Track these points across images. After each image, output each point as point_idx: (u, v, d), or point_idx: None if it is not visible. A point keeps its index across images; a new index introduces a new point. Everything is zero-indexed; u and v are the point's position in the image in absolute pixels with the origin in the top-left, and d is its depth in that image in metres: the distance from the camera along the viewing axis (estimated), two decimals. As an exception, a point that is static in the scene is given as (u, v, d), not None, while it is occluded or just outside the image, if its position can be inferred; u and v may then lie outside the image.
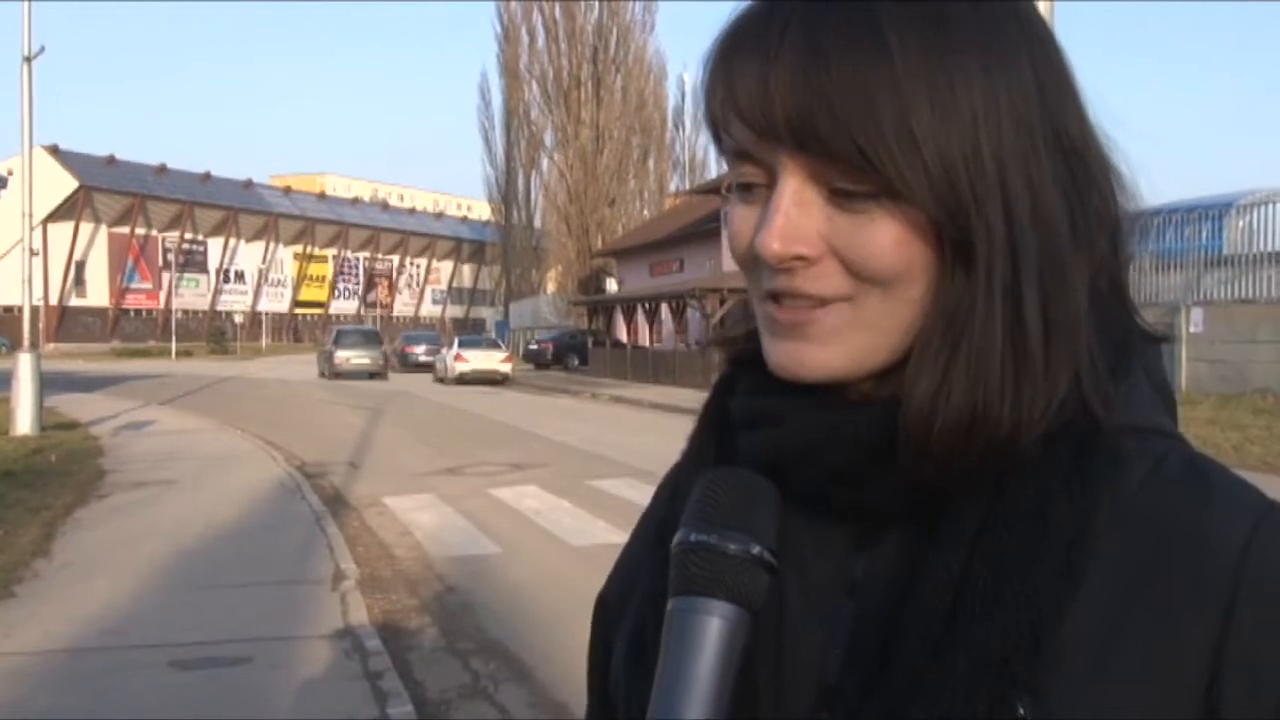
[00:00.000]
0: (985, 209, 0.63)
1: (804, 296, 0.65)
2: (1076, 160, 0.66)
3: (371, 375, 37.89)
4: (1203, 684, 0.61)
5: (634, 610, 0.75)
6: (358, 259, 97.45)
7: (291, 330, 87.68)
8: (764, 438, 0.71)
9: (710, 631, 0.65)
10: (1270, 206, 18.79)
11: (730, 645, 0.65)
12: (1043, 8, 8.72)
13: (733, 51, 0.66)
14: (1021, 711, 0.60)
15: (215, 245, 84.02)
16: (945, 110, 0.62)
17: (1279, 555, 0.63)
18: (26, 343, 17.81)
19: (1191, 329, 18.64)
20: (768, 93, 0.63)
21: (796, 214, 0.64)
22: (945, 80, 0.62)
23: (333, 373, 37.73)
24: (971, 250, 0.63)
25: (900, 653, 0.64)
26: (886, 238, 0.63)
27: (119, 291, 77.44)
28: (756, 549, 0.66)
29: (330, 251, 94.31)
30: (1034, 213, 0.64)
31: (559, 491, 11.70)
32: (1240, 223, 19.21)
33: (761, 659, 0.68)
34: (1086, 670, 0.62)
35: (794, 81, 0.62)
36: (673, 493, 0.78)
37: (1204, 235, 19.47)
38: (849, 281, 0.64)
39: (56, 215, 69.09)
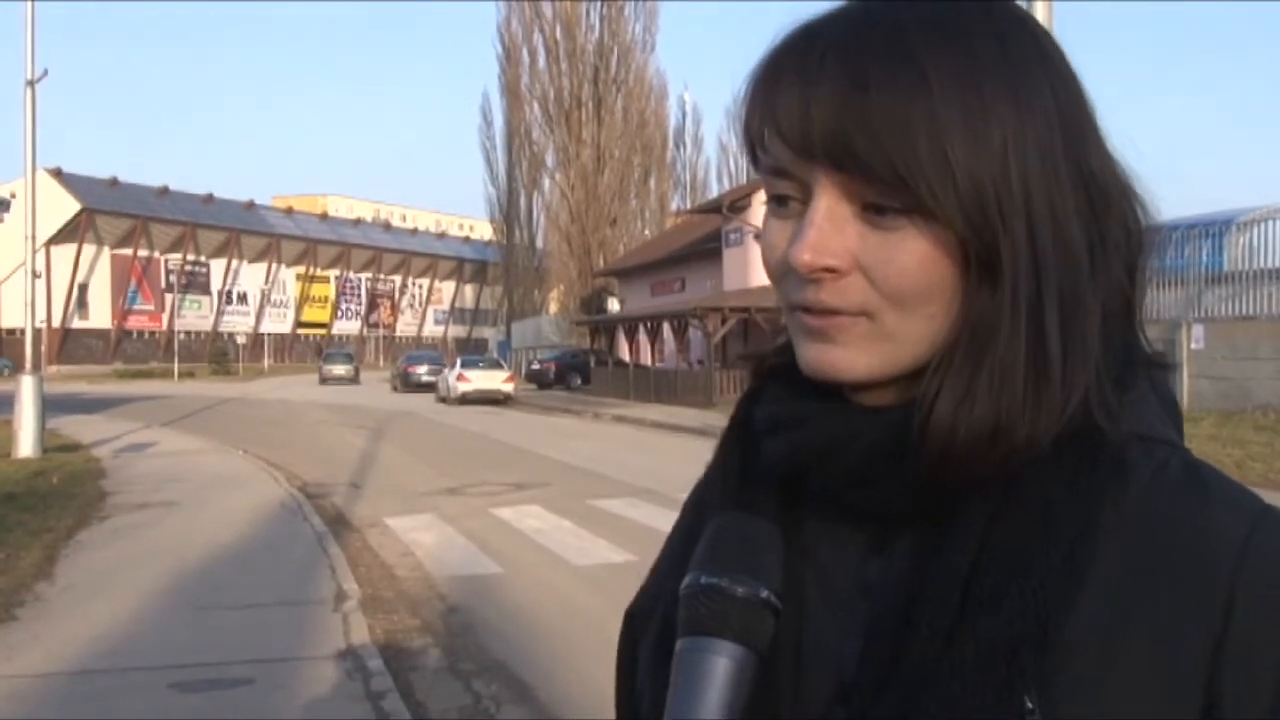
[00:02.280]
0: (1012, 230, 0.66)
1: (828, 310, 0.68)
2: (1096, 190, 0.70)
3: (349, 381, 54.29)
4: (1203, 677, 0.64)
5: (660, 615, 0.77)
6: (360, 279, 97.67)
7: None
8: (785, 441, 0.74)
9: (717, 671, 0.66)
10: (1271, 223, 18.81)
11: (736, 685, 0.67)
12: (1040, 10, 8.64)
13: (775, 74, 0.69)
14: (1029, 704, 0.63)
15: (218, 266, 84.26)
16: (977, 137, 0.65)
17: (1274, 554, 0.65)
18: (29, 365, 17.83)
19: (1192, 346, 18.64)
20: (808, 114, 0.66)
21: (829, 228, 0.67)
22: (978, 109, 0.65)
23: (322, 379, 54.53)
24: (997, 269, 0.67)
25: (912, 646, 0.67)
26: (913, 255, 0.67)
27: (121, 313, 77.61)
28: (764, 593, 0.68)
29: (332, 272, 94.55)
30: (1055, 237, 0.67)
31: (561, 511, 11.68)
32: (1241, 239, 19.23)
33: (782, 658, 0.71)
34: (1092, 665, 0.64)
35: (834, 104, 0.66)
36: (698, 502, 0.82)
37: (1205, 252, 19.48)
38: (872, 297, 0.68)
39: (59, 238, 69.29)
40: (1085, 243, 0.68)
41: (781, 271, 0.70)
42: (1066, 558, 0.65)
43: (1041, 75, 0.69)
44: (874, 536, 0.73)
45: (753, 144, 0.72)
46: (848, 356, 0.69)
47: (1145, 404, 0.72)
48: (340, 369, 55.13)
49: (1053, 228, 0.67)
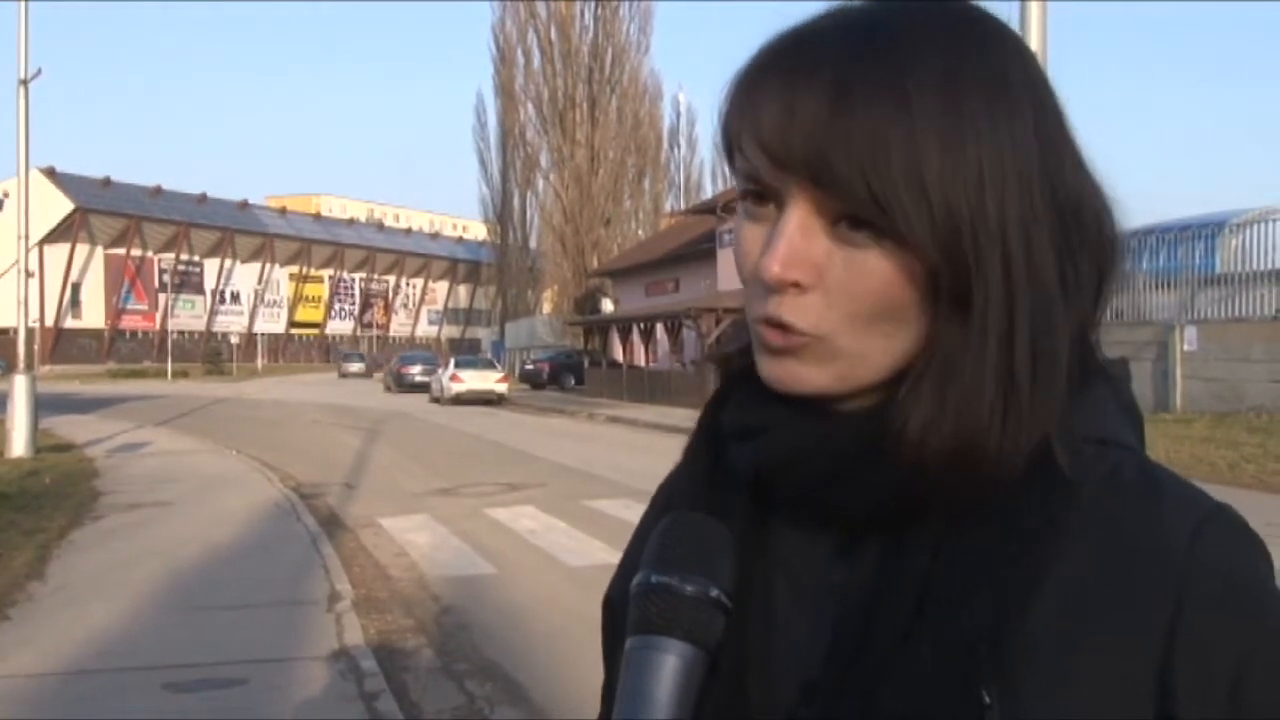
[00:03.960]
0: (985, 262, 0.66)
1: (787, 328, 0.69)
2: (1071, 218, 0.69)
3: (364, 376, 63.55)
4: (1156, 674, 0.65)
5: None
6: (353, 279, 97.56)
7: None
8: (753, 447, 0.74)
9: (666, 669, 0.66)
10: (1263, 225, 18.86)
11: (685, 683, 0.67)
12: (1035, 11, 8.60)
13: (760, 81, 0.69)
14: (987, 699, 0.63)
15: (211, 266, 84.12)
16: (955, 162, 0.65)
17: (1223, 551, 0.66)
18: (22, 364, 17.77)
19: (1185, 347, 18.68)
20: (790, 127, 0.66)
21: (799, 242, 0.67)
22: (956, 134, 0.65)
23: (341, 374, 66.04)
24: (967, 298, 0.67)
25: (871, 645, 0.67)
26: (878, 277, 0.67)
27: (115, 313, 77.43)
28: (714, 591, 0.68)
29: (326, 272, 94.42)
30: (1029, 266, 0.67)
31: (555, 512, 11.68)
32: (1233, 241, 19.27)
33: (750, 658, 0.71)
34: (1050, 662, 0.65)
35: (816, 120, 0.65)
36: (667, 502, 0.82)
37: (1197, 254, 19.53)
38: (828, 318, 0.68)
39: (52, 237, 69.14)
40: (1058, 269, 0.68)
41: (751, 279, 0.71)
42: (1023, 559, 0.66)
43: (1022, 94, 0.68)
44: (841, 539, 0.73)
45: (731, 146, 0.72)
46: (805, 372, 0.70)
47: (1103, 408, 0.73)
48: (355, 366, 67.85)
49: (1027, 258, 0.67)
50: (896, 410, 0.68)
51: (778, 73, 0.68)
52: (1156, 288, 19.67)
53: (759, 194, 0.70)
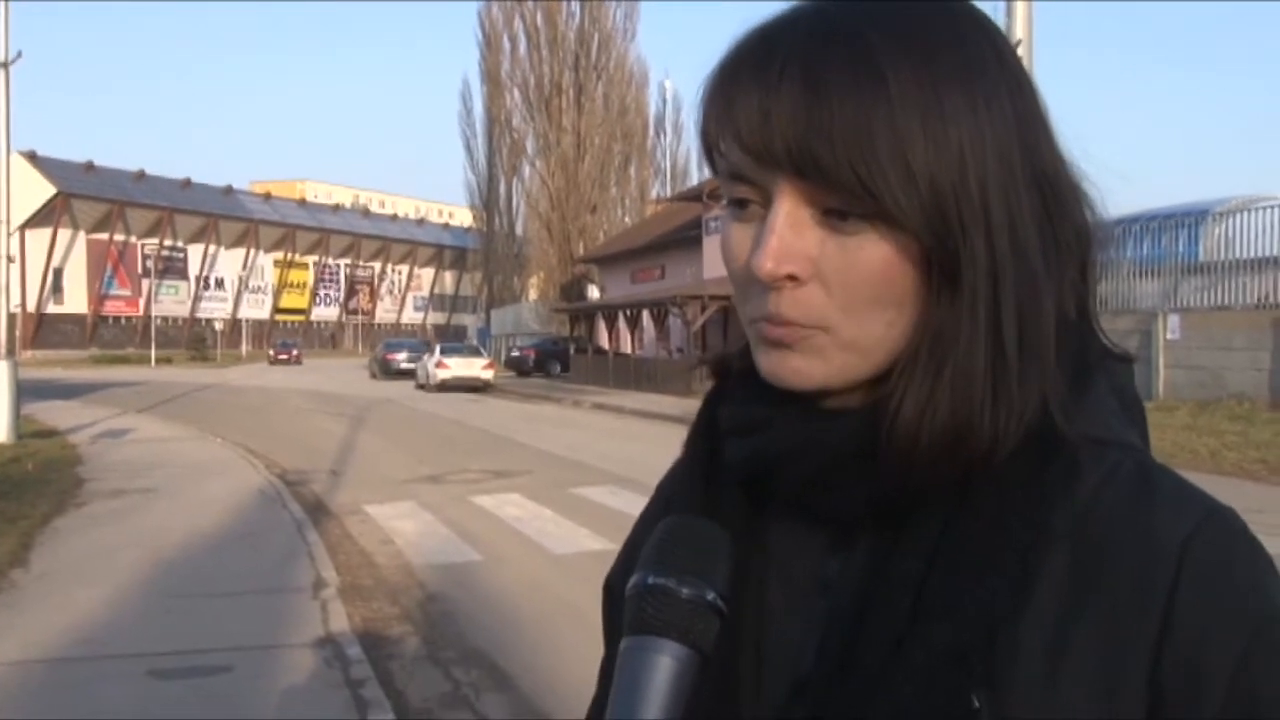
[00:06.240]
0: (971, 236, 0.66)
1: (787, 322, 0.69)
2: (1050, 193, 0.70)
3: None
4: (1146, 677, 0.64)
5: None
6: (339, 266, 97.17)
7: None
8: (749, 444, 0.74)
9: (661, 670, 0.67)
10: (1246, 214, 18.96)
11: (679, 684, 0.67)
12: (1020, 10, 8.65)
13: (733, 81, 0.69)
14: (977, 704, 0.63)
15: (195, 252, 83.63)
16: (937, 143, 0.65)
17: (1217, 552, 0.66)
18: (3, 350, 17.67)
19: (1168, 336, 18.80)
20: (769, 123, 0.66)
21: (790, 235, 0.67)
22: (937, 115, 0.65)
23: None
24: (957, 275, 0.67)
25: (864, 647, 0.68)
26: (873, 261, 0.67)
27: (97, 298, 76.92)
28: (710, 595, 0.69)
29: (311, 258, 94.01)
30: (1013, 241, 0.68)
31: (541, 499, 11.69)
32: (1217, 230, 19.38)
33: (744, 655, 0.72)
34: (1041, 665, 0.65)
35: (795, 114, 0.65)
36: (668, 500, 0.83)
37: (1181, 242, 19.64)
38: (829, 309, 0.68)
39: (34, 221, 68.57)
40: (1040, 245, 0.69)
41: (744, 279, 0.70)
42: (1018, 564, 0.66)
43: (999, 78, 0.69)
44: (834, 535, 0.74)
45: (710, 148, 0.71)
46: (805, 365, 0.69)
47: (1103, 406, 0.73)
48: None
49: (1010, 232, 0.67)
50: (891, 398, 0.68)
51: (749, 71, 0.68)
52: (1140, 276, 19.77)
53: (745, 194, 0.70)
